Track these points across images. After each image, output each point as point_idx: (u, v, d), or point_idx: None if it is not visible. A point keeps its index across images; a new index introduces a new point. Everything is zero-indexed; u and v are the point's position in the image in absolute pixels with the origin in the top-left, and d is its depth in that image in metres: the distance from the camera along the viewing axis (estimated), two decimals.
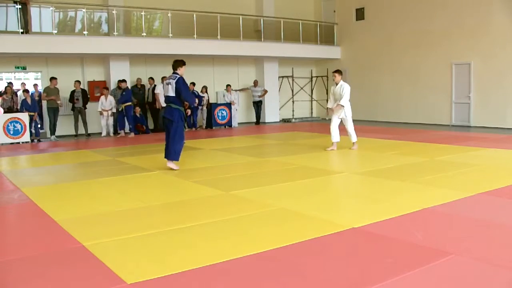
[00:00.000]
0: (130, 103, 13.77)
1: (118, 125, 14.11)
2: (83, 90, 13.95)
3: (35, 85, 14.80)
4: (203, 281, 3.23)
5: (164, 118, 7.63)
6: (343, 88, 9.24)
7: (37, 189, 6.46)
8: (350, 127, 9.52)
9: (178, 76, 7.52)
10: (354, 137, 9.62)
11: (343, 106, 9.25)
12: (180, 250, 3.87)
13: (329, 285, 3.13)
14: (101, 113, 13.93)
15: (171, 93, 7.46)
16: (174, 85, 7.42)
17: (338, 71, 9.49)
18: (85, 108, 13.88)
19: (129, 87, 14.25)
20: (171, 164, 7.57)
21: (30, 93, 13.25)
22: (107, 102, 13.85)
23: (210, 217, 4.83)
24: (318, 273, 3.32)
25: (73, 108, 13.82)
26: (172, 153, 7.51)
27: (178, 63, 7.63)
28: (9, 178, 7.29)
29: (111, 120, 14.13)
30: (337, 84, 9.38)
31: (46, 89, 13.38)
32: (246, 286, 3.16)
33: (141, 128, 14.55)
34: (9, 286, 3.22)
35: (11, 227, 5.00)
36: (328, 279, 3.22)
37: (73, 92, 13.69)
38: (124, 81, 13.96)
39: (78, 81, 13.92)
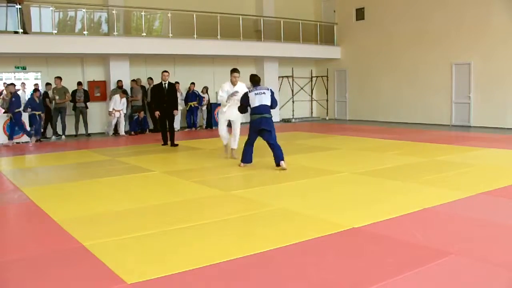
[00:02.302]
0: (19, 110, 12.33)
1: (12, 132, 12.43)
2: (85, 91, 13.98)
3: (36, 85, 14.77)
4: (203, 281, 3.23)
5: (261, 130, 7.61)
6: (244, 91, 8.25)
7: (37, 189, 6.45)
8: (237, 130, 8.71)
9: (268, 87, 7.81)
10: (236, 144, 8.70)
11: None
12: (180, 250, 3.87)
13: (329, 285, 3.13)
14: (110, 113, 13.91)
15: (268, 102, 7.62)
16: (269, 95, 7.63)
17: (237, 70, 8.57)
18: (87, 107, 13.93)
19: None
20: (284, 164, 7.55)
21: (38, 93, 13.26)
22: (121, 104, 13.87)
23: (210, 217, 4.82)
24: (318, 273, 3.32)
25: (74, 108, 13.83)
26: (282, 156, 7.57)
27: (259, 77, 7.93)
28: (9, 178, 7.29)
29: (115, 120, 14.14)
30: (234, 85, 8.49)
31: (54, 89, 13.38)
32: (246, 286, 3.16)
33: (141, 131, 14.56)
34: (9, 286, 3.22)
35: (11, 227, 5.00)
36: (328, 279, 3.22)
37: (75, 92, 13.72)
38: (12, 84, 12.55)
39: (80, 83, 13.97)
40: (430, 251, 3.67)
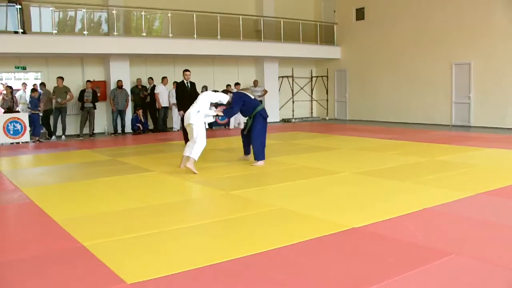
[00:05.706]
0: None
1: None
2: (93, 91, 13.91)
3: (35, 85, 14.78)
4: (203, 281, 3.23)
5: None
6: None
7: (37, 189, 6.45)
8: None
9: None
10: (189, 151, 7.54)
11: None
12: (180, 250, 3.87)
13: (329, 285, 3.13)
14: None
15: None
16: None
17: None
18: (95, 108, 13.91)
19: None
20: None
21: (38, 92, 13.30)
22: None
23: (210, 217, 4.83)
24: (318, 273, 3.32)
25: (82, 108, 13.75)
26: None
27: None
28: (9, 178, 7.29)
29: None
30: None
31: (55, 89, 13.37)
32: (246, 286, 3.16)
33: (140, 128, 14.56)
34: (9, 286, 3.22)
35: (11, 227, 5.00)
36: (328, 279, 3.21)
37: (83, 92, 13.67)
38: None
39: (89, 81, 13.95)
40: (430, 251, 3.67)
